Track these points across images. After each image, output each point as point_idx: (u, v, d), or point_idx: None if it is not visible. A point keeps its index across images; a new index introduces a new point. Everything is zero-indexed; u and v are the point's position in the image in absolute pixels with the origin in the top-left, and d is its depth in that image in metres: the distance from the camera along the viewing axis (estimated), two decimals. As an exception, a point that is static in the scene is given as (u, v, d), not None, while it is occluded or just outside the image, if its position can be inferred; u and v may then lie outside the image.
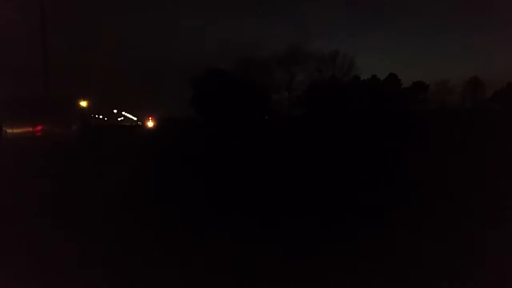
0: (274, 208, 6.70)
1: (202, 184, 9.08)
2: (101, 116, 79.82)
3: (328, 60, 62.21)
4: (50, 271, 4.17)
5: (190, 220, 6.03)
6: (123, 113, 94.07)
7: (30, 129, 30.57)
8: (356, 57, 72.76)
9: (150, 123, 61.89)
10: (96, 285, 3.92)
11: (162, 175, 10.74)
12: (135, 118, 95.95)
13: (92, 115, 63.39)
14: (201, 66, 60.22)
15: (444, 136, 19.47)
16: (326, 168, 11.18)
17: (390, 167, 11.26)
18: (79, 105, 42.30)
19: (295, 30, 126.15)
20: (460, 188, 8.00)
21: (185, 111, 56.21)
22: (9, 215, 6.58)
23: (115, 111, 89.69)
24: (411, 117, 41.11)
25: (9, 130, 29.17)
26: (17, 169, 12.27)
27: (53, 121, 31.90)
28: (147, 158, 15.56)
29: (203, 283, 3.92)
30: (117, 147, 21.70)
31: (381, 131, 27.44)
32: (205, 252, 4.65)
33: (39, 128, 31.13)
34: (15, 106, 30.09)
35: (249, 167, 11.66)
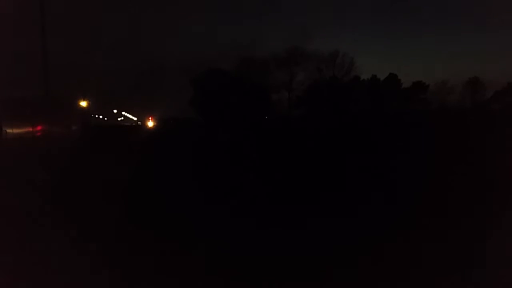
0: (274, 208, 6.69)
1: (202, 184, 9.07)
2: (101, 116, 79.63)
3: (328, 60, 62.23)
4: (49, 271, 4.17)
5: (189, 221, 6.02)
6: (123, 113, 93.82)
7: (30, 129, 30.54)
8: (356, 57, 72.67)
9: (150, 123, 61.82)
10: (95, 286, 3.92)
11: (162, 175, 10.74)
12: (135, 118, 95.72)
13: (92, 115, 63.33)
14: (201, 66, 60.25)
15: (444, 136, 19.45)
16: (326, 168, 11.17)
17: (391, 167, 11.25)
18: (79, 105, 42.29)
19: (295, 30, 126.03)
20: (460, 188, 7.99)
21: (185, 111, 56.24)
22: (9, 215, 6.57)
23: (115, 111, 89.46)
24: (411, 117, 41.09)
25: (9, 130, 29.14)
26: (17, 169, 12.26)
27: (53, 121, 31.87)
28: (147, 158, 15.55)
29: (203, 284, 3.92)
30: (117, 147, 21.68)
31: (382, 131, 27.43)
32: (204, 253, 4.65)
33: (39, 128, 31.10)
34: (15, 106, 30.06)
35: (249, 167, 11.65)
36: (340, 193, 7.82)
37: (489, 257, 4.36)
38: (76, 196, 8.01)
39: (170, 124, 53.55)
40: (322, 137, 23.30)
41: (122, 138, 30.52)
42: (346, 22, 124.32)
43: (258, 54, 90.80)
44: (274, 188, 8.35)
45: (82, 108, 43.53)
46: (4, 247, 4.96)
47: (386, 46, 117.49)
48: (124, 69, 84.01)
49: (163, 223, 5.93)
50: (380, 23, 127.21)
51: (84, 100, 43.24)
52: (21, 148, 21.94)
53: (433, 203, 6.84)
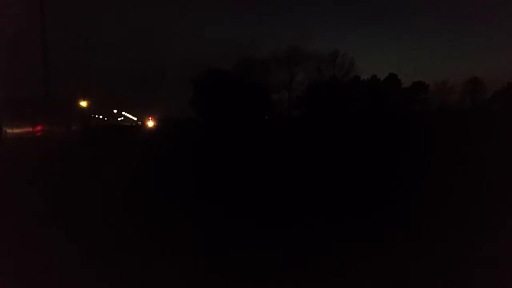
0: (274, 208, 6.69)
1: (202, 184, 9.07)
2: (101, 116, 79.70)
3: (328, 60, 62.29)
4: (49, 272, 4.17)
5: (189, 221, 6.02)
6: (123, 113, 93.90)
7: (30, 129, 30.57)
8: (356, 57, 72.76)
9: (150, 123, 61.95)
10: (95, 286, 3.92)
11: (162, 175, 10.74)
12: (135, 118, 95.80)
13: (92, 115, 63.35)
14: (201, 66, 60.28)
15: (444, 136, 19.46)
16: (326, 168, 11.17)
17: (391, 167, 11.26)
18: (79, 105, 42.35)
19: (295, 30, 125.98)
20: (461, 188, 7.99)
21: (185, 111, 56.29)
22: (9, 215, 6.57)
23: (115, 111, 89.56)
24: (411, 117, 41.10)
25: (9, 130, 29.18)
26: (16, 169, 12.26)
27: (53, 121, 31.91)
28: (147, 158, 15.56)
29: (203, 284, 3.92)
30: (117, 147, 21.69)
31: (381, 131, 27.44)
32: (205, 254, 4.65)
33: (39, 128, 31.13)
34: (15, 106, 30.09)
35: (249, 167, 11.65)
36: (340, 192, 7.81)
37: (489, 257, 4.36)
38: (76, 196, 8.01)
39: (170, 124, 53.56)
40: (322, 137, 23.30)
41: (122, 138, 30.53)
42: (346, 22, 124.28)
43: (258, 54, 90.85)
44: (274, 188, 8.35)
45: (82, 108, 43.57)
46: (4, 248, 4.96)
47: (386, 46, 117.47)
48: (124, 69, 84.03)
49: (163, 223, 5.93)
50: (380, 23, 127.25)
51: (84, 100, 43.28)
52: (21, 148, 21.95)
53: (432, 203, 6.84)
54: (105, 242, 5.07)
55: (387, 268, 4.15)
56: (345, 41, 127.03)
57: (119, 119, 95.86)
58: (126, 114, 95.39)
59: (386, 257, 4.44)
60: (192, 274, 4.10)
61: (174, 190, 8.39)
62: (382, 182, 9.00)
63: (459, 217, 5.96)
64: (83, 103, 43.38)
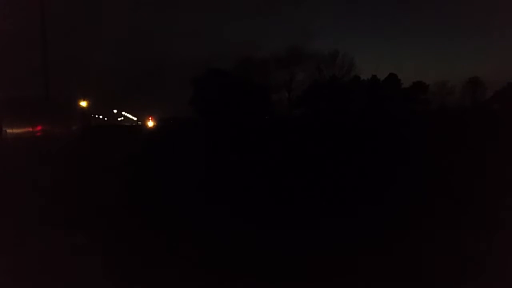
0: (274, 208, 6.69)
1: (201, 184, 9.08)
2: (101, 116, 79.58)
3: (328, 60, 62.24)
4: (49, 271, 4.17)
5: (189, 222, 6.03)
6: (123, 113, 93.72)
7: (30, 129, 30.56)
8: (356, 57, 72.82)
9: (150, 123, 61.96)
10: (94, 285, 3.92)
11: (161, 174, 10.74)
12: (135, 118, 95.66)
13: (92, 115, 63.28)
14: (201, 66, 60.18)
15: (444, 136, 19.46)
16: (326, 169, 11.17)
17: (391, 167, 11.26)
18: (79, 105, 42.34)
19: (295, 30, 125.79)
20: (461, 188, 7.99)
21: (185, 111, 56.28)
22: (9, 215, 6.57)
23: (115, 111, 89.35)
24: (411, 117, 41.09)
25: (9, 130, 29.16)
26: (16, 169, 12.25)
27: (53, 121, 31.90)
28: (147, 158, 15.55)
29: (202, 284, 3.92)
30: (117, 147, 21.67)
31: (382, 131, 27.43)
32: (204, 254, 4.65)
33: (39, 128, 31.13)
34: (15, 106, 30.07)
35: (249, 167, 11.65)
36: (339, 193, 7.81)
37: (489, 257, 4.36)
38: (76, 195, 8.01)
39: (170, 124, 53.51)
40: (322, 137, 23.30)
41: (122, 138, 30.53)
42: (346, 22, 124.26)
43: (258, 54, 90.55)
44: (274, 188, 8.35)
45: (82, 108, 43.58)
46: (4, 247, 4.96)
47: (386, 46, 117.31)
48: (124, 69, 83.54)
49: (162, 223, 5.93)
50: (380, 23, 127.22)
51: (84, 100, 43.30)
52: (21, 148, 21.94)
53: (432, 203, 6.83)
54: (104, 241, 5.07)
55: (387, 268, 4.15)
56: (345, 41, 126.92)
57: (119, 119, 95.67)
58: (126, 114, 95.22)
59: (385, 257, 4.44)
60: (192, 274, 4.10)
61: (174, 190, 8.39)
62: (382, 182, 9.00)
63: (459, 217, 5.96)
64: (83, 103, 43.39)
